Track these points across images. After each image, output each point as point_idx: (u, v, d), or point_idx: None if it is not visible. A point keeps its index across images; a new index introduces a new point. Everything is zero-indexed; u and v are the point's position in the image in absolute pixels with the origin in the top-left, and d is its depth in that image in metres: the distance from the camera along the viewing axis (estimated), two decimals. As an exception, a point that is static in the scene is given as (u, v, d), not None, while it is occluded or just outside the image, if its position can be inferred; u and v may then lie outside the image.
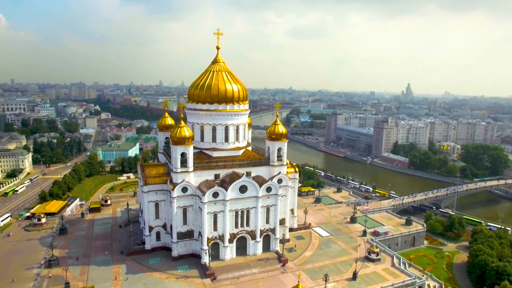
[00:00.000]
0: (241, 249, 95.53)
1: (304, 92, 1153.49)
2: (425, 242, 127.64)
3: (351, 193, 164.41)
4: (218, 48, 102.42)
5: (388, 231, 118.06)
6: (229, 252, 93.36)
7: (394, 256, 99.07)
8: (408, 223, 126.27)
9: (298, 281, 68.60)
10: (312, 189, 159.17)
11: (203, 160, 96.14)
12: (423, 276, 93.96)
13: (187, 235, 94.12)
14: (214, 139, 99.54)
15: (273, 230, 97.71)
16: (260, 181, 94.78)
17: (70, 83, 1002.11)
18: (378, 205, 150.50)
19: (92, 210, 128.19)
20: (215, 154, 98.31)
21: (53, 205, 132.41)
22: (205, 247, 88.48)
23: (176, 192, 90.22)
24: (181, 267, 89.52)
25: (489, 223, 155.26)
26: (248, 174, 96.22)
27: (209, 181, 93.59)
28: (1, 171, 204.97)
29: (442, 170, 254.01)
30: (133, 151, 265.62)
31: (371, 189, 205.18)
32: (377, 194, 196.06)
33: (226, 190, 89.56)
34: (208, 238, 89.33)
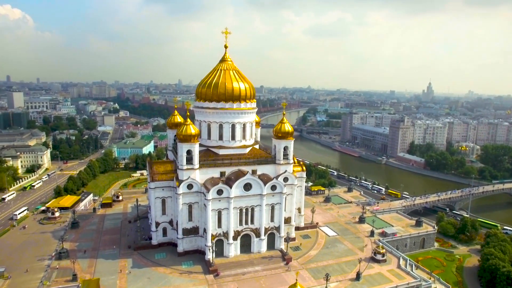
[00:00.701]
0: (246, 246, 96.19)
1: (323, 91, 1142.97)
2: (436, 244, 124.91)
3: (362, 193, 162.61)
4: (226, 47, 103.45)
5: (397, 232, 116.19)
6: (233, 249, 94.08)
7: (401, 257, 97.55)
8: (418, 224, 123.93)
9: (296, 279, 68.49)
10: (322, 188, 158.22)
11: (209, 157, 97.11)
12: (430, 278, 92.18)
13: (192, 231, 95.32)
14: (220, 137, 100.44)
15: (277, 229, 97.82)
16: (265, 179, 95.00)
17: (91, 82, 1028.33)
18: (388, 205, 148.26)
19: (104, 205, 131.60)
20: (221, 151, 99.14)
21: (67, 200, 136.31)
22: (209, 243, 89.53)
23: (182, 189, 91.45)
24: (186, 262, 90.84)
25: (505, 227, 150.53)
26: (253, 172, 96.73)
27: (214, 178, 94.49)
28: (21, 166, 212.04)
29: (459, 171, 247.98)
30: (148, 149, 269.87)
31: (383, 189, 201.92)
32: (381, 193, 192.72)
33: (231, 187, 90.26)
34: (212, 235, 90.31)
